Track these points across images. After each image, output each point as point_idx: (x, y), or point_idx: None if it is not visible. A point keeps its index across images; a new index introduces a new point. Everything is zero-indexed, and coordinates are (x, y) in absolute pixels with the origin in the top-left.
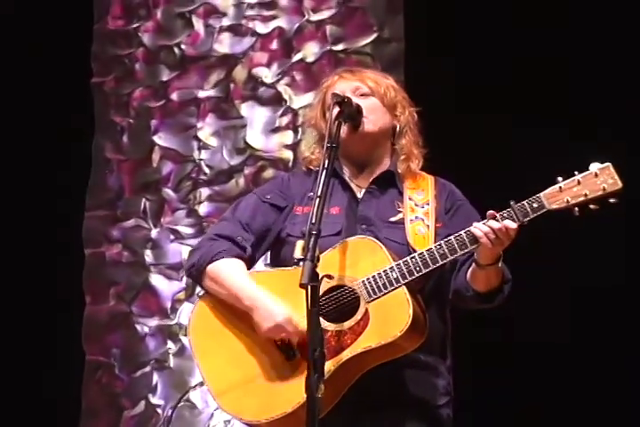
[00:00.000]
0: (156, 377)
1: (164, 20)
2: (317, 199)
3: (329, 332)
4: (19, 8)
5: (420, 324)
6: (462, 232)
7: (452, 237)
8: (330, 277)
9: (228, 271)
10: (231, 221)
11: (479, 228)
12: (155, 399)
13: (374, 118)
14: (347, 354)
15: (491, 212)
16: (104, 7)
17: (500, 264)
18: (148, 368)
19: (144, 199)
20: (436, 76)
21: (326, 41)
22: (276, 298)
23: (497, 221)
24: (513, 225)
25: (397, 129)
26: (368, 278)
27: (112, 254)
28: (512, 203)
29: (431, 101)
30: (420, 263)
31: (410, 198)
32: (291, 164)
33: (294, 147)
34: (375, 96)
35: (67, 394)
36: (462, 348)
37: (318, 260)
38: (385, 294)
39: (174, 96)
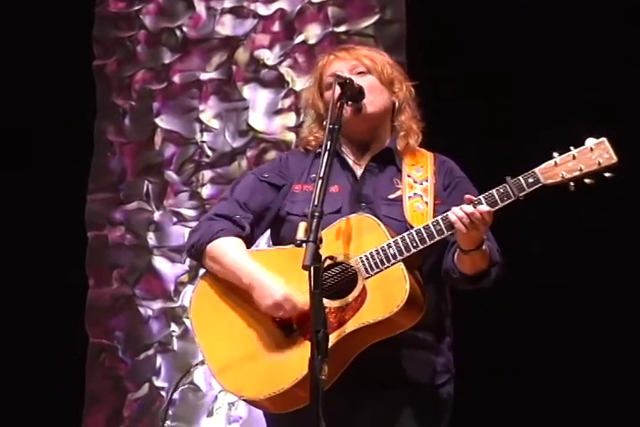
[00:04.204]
0: (159, 360)
1: (166, 2)
2: (320, 180)
3: (327, 309)
4: None
5: (417, 300)
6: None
7: (448, 212)
8: (332, 258)
9: (228, 250)
10: (229, 201)
11: (455, 212)
12: (158, 382)
13: (375, 98)
14: (344, 330)
15: (468, 196)
16: None
17: (484, 247)
18: (151, 351)
19: (146, 182)
20: (437, 57)
21: (328, 23)
22: (275, 276)
23: (472, 205)
24: (487, 208)
25: (396, 105)
26: (366, 255)
27: (115, 237)
28: (508, 178)
29: (432, 82)
30: (416, 239)
31: (409, 175)
32: (293, 146)
33: (297, 129)
34: (373, 74)
35: (70, 377)
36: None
37: (321, 241)
38: (382, 270)
39: (176, 78)
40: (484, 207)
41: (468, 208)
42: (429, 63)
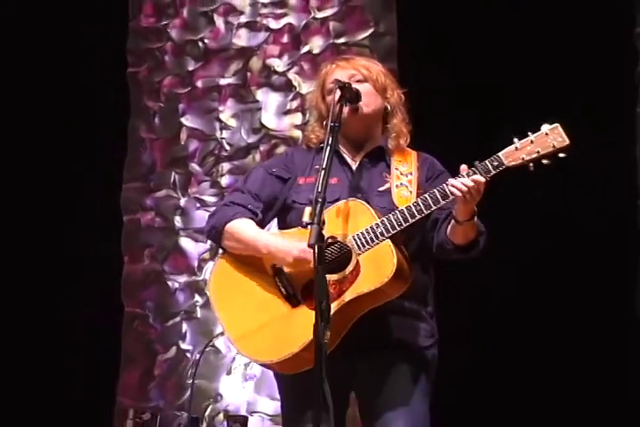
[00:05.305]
0: (185, 326)
1: (190, 18)
2: (322, 171)
3: (328, 281)
4: (64, 9)
5: (404, 272)
6: (435, 190)
7: (426, 194)
8: (334, 238)
9: (244, 227)
10: (243, 192)
11: (452, 183)
12: (184, 345)
13: (370, 101)
14: (344, 299)
15: (463, 166)
16: (137, 7)
17: (475, 219)
18: (178, 318)
19: (173, 173)
20: (425, 66)
21: (330, 35)
22: (285, 238)
23: (466, 177)
24: (481, 179)
25: (388, 109)
26: (357, 234)
27: (146, 220)
28: (476, 162)
29: (421, 88)
30: (400, 218)
31: (396, 169)
32: (300, 141)
33: (303, 127)
34: (369, 82)
35: (109, 341)
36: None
37: (324, 223)
38: (372, 246)
39: (199, 83)
40: (479, 177)
41: (465, 179)
42: (418, 71)
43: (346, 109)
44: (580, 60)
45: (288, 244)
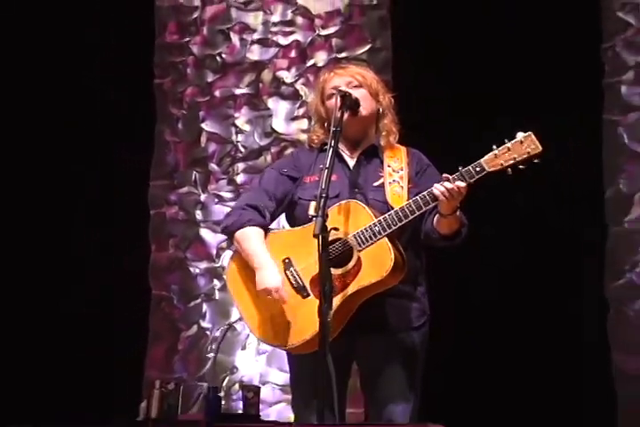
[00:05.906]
0: (205, 307)
1: (209, 35)
2: (326, 170)
3: (333, 275)
4: (99, 29)
5: (399, 265)
6: (425, 193)
7: (417, 197)
8: (337, 229)
9: (249, 239)
10: (258, 191)
11: (437, 188)
12: (204, 324)
13: (366, 105)
14: (347, 291)
15: (445, 175)
16: (163, 25)
17: (458, 213)
18: (199, 300)
19: (194, 172)
20: (422, 75)
21: (332, 50)
22: (275, 268)
23: (450, 182)
24: (462, 184)
25: (380, 111)
26: (357, 233)
27: (171, 214)
28: (460, 168)
29: (415, 96)
30: (395, 218)
31: (388, 165)
32: (306, 144)
33: (309, 131)
34: (364, 87)
35: (138, 321)
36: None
37: (327, 216)
38: (371, 244)
39: (217, 93)
40: (460, 183)
41: (448, 184)
42: (411, 81)
43: (346, 115)
44: (557, 71)
45: (270, 274)
